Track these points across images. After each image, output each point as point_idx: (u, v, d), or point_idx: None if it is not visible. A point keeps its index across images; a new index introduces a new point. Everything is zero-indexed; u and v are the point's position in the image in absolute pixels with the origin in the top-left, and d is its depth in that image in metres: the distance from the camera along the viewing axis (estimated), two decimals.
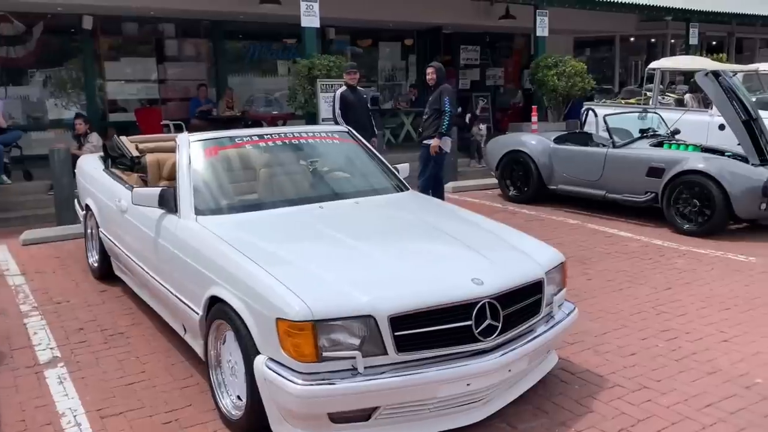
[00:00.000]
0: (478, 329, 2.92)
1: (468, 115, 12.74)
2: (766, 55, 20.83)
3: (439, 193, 7.30)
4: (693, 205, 6.81)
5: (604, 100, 10.88)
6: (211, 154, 3.98)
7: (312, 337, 2.66)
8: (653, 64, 9.94)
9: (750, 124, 7.04)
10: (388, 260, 3.14)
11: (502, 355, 2.97)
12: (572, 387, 3.57)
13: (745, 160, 6.95)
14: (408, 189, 4.50)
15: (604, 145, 7.84)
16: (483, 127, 11.88)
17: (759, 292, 5.02)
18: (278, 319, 2.72)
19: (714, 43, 19.47)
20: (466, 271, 3.03)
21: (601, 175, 7.71)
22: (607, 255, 6.17)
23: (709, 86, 7.17)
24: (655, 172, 7.18)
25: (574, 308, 3.57)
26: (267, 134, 4.27)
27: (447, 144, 7.21)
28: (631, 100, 10.38)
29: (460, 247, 3.35)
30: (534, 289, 3.24)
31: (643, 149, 7.53)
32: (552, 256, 3.50)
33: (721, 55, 14.71)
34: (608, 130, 7.77)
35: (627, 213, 7.64)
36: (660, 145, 7.68)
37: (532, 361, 3.26)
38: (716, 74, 7.20)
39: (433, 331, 2.84)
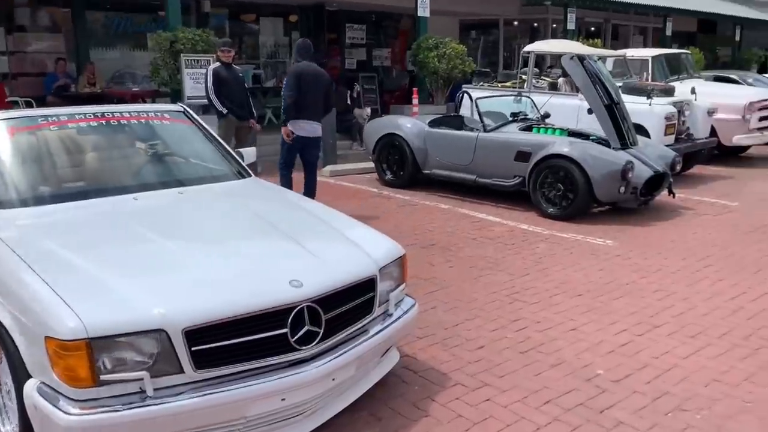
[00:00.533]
0: (295, 337, 2.62)
1: (350, 93, 12.49)
2: (639, 41, 21.92)
3: (287, 180, 6.85)
4: (558, 189, 6.87)
5: (481, 83, 10.90)
6: (6, 137, 3.42)
7: (87, 358, 2.26)
8: (527, 48, 10.01)
9: (612, 108, 7.18)
10: (197, 262, 2.76)
11: (324, 363, 2.69)
12: (412, 388, 3.37)
13: (608, 144, 7.08)
14: (250, 176, 4.11)
15: (475, 129, 7.77)
16: (367, 109, 11.62)
17: (611, 277, 5.07)
18: (47, 338, 2.29)
19: (593, 29, 20.21)
20: (285, 272, 2.72)
21: (472, 159, 7.65)
22: (473, 241, 6.08)
23: (574, 70, 7.23)
24: (522, 156, 7.19)
25: (414, 304, 3.36)
26: (80, 114, 3.73)
27: (300, 128, 6.65)
28: (507, 84, 10.45)
29: (286, 243, 3.02)
30: (366, 286, 2.98)
31: (512, 133, 7.52)
32: (389, 249, 3.25)
33: (596, 40, 15.22)
34: (479, 113, 7.71)
35: (499, 197, 7.63)
36: (529, 129, 7.71)
37: (364, 366, 3.01)
38: (582, 59, 7.28)
39: (239, 343, 2.51)
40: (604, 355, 3.74)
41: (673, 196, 7.31)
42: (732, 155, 11.22)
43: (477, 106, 7.75)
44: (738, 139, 10.34)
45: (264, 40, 14.83)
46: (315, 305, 2.68)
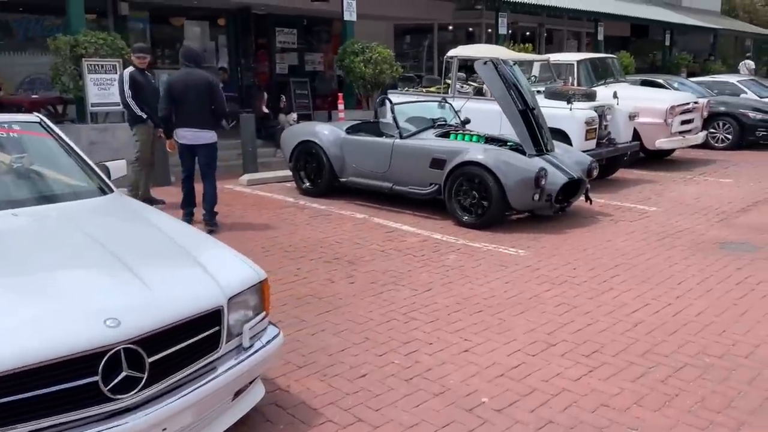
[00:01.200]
0: (110, 385, 2.28)
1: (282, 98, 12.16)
2: (574, 46, 22.23)
3: (185, 190, 6.77)
4: (473, 197, 6.68)
5: (406, 88, 10.70)
6: None
7: None
8: (450, 53, 9.87)
9: (527, 114, 7.04)
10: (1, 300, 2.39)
11: (149, 413, 2.35)
12: (277, 427, 3.06)
13: (524, 151, 6.93)
14: (113, 191, 3.73)
15: (392, 136, 7.53)
16: (293, 115, 11.27)
17: (516, 290, 4.87)
18: None
19: (528, 33, 20.34)
20: (99, 310, 2.36)
21: (388, 166, 7.40)
22: (381, 253, 5.81)
23: (488, 74, 7.07)
24: (437, 163, 6.98)
25: (277, 334, 3.04)
26: None
27: (182, 137, 6.43)
28: (432, 89, 10.27)
29: (115, 273, 2.66)
30: (209, 320, 2.65)
31: (428, 140, 7.31)
32: (244, 276, 2.92)
33: (528, 45, 15.25)
34: (395, 119, 7.47)
35: (418, 206, 7.40)
36: (447, 135, 7.51)
37: (209, 409, 2.68)
38: (496, 64, 7.12)
39: (35, 396, 2.15)
40: (492, 380, 3.50)
41: (590, 203, 7.23)
42: (657, 159, 11.33)
43: (393, 111, 7.52)
44: (660, 143, 10.41)
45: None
46: (135, 347, 2.34)
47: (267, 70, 14.71)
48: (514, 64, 7.58)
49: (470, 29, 19.22)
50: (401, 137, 7.37)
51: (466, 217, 6.72)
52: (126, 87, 7.13)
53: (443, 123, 7.83)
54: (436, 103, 8.44)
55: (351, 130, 8.10)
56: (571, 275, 5.21)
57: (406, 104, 8.11)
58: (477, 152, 6.68)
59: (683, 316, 4.37)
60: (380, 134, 7.88)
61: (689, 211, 7.55)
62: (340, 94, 11.18)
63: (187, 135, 6.39)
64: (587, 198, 7.17)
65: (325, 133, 8.02)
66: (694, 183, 9.45)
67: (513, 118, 6.95)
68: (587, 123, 8.63)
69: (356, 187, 7.78)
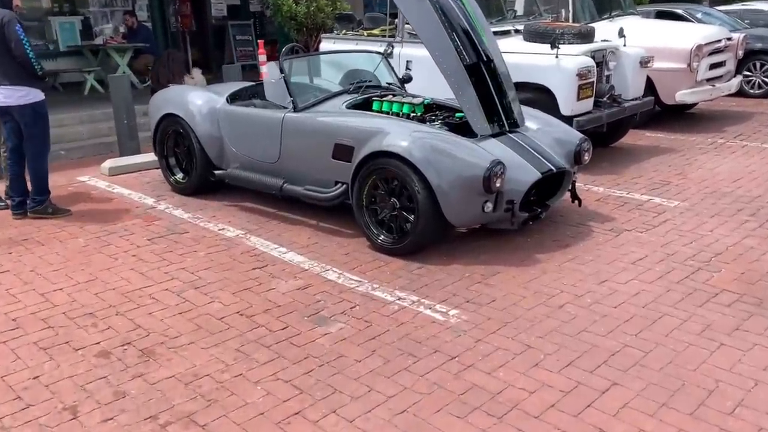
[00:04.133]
0: None
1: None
2: None
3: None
4: (391, 207, 4.27)
5: (343, 31, 8.12)
6: None
7: None
8: None
9: (480, 69, 4.54)
10: None
11: None
12: None
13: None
14: None
15: (282, 107, 5.06)
16: (197, 72, 8.69)
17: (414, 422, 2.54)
18: None
19: None
20: None
21: (278, 155, 4.97)
22: (206, 332, 3.45)
23: (408, 3, 4.53)
24: (343, 152, 4.53)
25: None
26: None
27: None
28: (376, 31, 7.70)
29: None
30: None
31: (333, 114, 4.82)
32: None
33: None
34: (286, 82, 4.98)
35: (325, 213, 5.00)
36: (367, 105, 5.03)
37: None
38: None
39: None
40: None
41: (579, 203, 4.79)
42: (675, 113, 8.76)
43: (283, 69, 5.01)
44: (682, 96, 7.83)
45: None
46: None
47: (189, 12, 11.99)
48: None
49: None
50: (295, 109, 4.90)
51: (381, 238, 4.32)
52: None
53: (361, 84, 5.31)
54: (374, 53, 5.88)
55: (235, 98, 5.63)
56: (537, 380, 2.84)
57: (312, 56, 5.61)
58: (397, 136, 4.21)
59: None
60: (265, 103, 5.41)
61: (728, 205, 5.08)
62: (260, 41, 8.59)
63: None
64: (575, 197, 4.75)
65: (197, 102, 5.53)
66: (728, 151, 6.92)
67: (454, 76, 4.44)
68: (580, 75, 6.07)
69: (235, 184, 5.35)
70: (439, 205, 4.01)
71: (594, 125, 6.23)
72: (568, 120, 5.96)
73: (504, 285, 3.78)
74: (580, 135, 4.78)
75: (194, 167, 5.53)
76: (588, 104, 6.30)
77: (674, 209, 5.07)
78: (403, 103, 4.89)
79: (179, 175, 5.77)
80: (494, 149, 4.23)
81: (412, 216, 4.14)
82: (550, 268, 4.01)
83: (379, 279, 3.91)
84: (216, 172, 5.35)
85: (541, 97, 6.16)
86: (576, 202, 4.73)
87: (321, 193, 4.63)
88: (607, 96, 6.51)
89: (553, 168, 4.35)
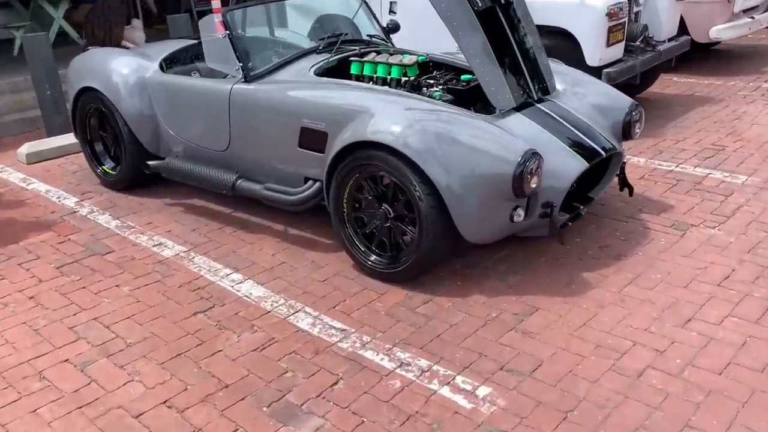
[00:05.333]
0: None
1: None
2: None
3: None
4: (383, 217, 3.10)
5: None
6: None
7: None
8: None
9: (496, 14, 3.29)
10: None
11: None
12: None
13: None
14: None
15: (229, 76, 3.80)
16: (137, 24, 7.22)
17: None
18: None
19: None
20: None
21: (228, 140, 3.75)
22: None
23: None
24: (312, 138, 3.31)
25: None
26: None
27: None
28: None
29: None
30: None
31: (297, 85, 3.55)
32: None
33: None
34: (233, 43, 3.69)
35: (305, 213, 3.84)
36: (343, 69, 3.78)
37: None
38: None
39: None
40: None
41: (630, 193, 3.62)
42: (700, 52, 7.54)
43: (229, 24, 3.72)
44: (717, 32, 6.59)
45: None
46: None
47: None
48: None
49: None
50: (246, 78, 3.65)
51: (372, 259, 3.17)
52: None
53: (341, 39, 4.03)
54: None
55: (171, 63, 4.34)
56: None
57: (273, 3, 4.30)
58: (385, 118, 2.99)
59: None
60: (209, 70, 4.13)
61: None
62: None
63: None
64: (624, 184, 3.59)
65: (121, 71, 4.22)
66: None
67: (461, 26, 3.19)
68: (610, 15, 4.83)
69: (174, 179, 4.11)
70: (449, 215, 2.85)
71: (626, 77, 5.03)
72: (595, 72, 4.76)
73: (549, 333, 2.66)
74: (629, 99, 3.58)
75: (124, 156, 4.30)
76: (618, 51, 5.07)
77: (744, 188, 3.95)
78: (390, 65, 3.64)
79: (108, 165, 4.52)
80: (522, 130, 3.04)
81: (412, 228, 2.99)
82: (606, 297, 2.89)
83: (371, 325, 2.79)
84: (150, 163, 4.10)
85: (560, 45, 4.93)
86: (626, 190, 3.58)
87: (286, 194, 3.43)
88: (640, 39, 5.28)
89: (602, 152, 3.18)
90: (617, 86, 4.13)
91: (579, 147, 3.11)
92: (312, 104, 3.29)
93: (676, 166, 4.37)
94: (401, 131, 2.87)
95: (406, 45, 4.32)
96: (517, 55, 3.27)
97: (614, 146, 3.28)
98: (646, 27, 5.32)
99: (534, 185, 2.80)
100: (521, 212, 2.88)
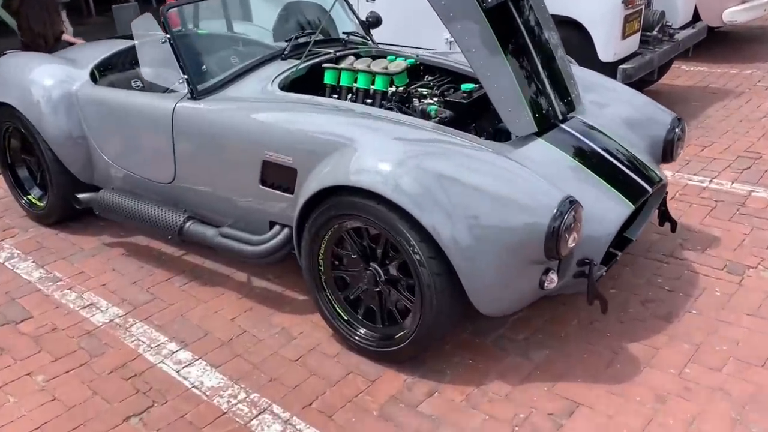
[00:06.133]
0: None
1: None
2: None
3: None
4: (372, 280, 2.40)
5: None
6: None
7: None
8: None
9: (509, 11, 2.58)
10: None
11: None
12: None
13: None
14: None
15: (169, 90, 3.05)
16: (64, 22, 6.25)
17: None
18: None
19: None
20: None
21: (173, 171, 3.01)
22: None
23: None
24: (277, 175, 2.59)
25: None
26: None
27: None
28: None
29: None
30: None
31: (256, 103, 2.80)
32: None
33: None
34: (175, 49, 2.94)
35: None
36: (316, 77, 3.05)
37: None
38: None
39: None
40: None
41: (672, 228, 2.95)
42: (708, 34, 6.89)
43: (167, 22, 2.96)
44: (731, 15, 5.94)
45: None
46: None
47: None
48: None
49: None
50: (193, 94, 2.90)
51: (360, 334, 2.46)
52: None
53: (310, 39, 3.28)
54: None
55: (105, 70, 3.57)
56: None
57: None
58: (370, 153, 2.26)
59: None
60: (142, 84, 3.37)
61: None
62: None
63: None
64: (666, 218, 2.92)
65: (42, 83, 3.41)
66: None
67: (466, 28, 2.46)
68: (626, 2, 4.14)
69: (111, 218, 3.34)
70: (457, 281, 2.17)
71: (644, 72, 4.36)
72: (609, 70, 4.09)
73: None
74: (668, 112, 2.90)
75: (50, 187, 3.53)
76: (634, 43, 4.40)
77: None
78: (373, 73, 2.92)
79: (35, 194, 3.73)
80: (549, 164, 2.35)
81: (410, 295, 2.30)
82: (665, 384, 2.22)
83: None
84: (80, 196, 3.33)
85: (567, 38, 4.16)
86: (668, 224, 2.91)
87: (247, 243, 2.72)
88: (658, 28, 4.60)
89: (648, 187, 2.51)
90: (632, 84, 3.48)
91: (620, 182, 2.43)
92: (275, 132, 2.56)
93: (710, 181, 3.72)
94: (391, 172, 2.16)
95: (386, 39, 3.61)
96: (536, 63, 2.56)
97: (661, 178, 2.61)
98: (663, 14, 4.64)
99: (573, 244, 2.12)
100: (554, 276, 2.20)
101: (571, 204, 2.09)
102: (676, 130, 2.80)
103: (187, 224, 2.89)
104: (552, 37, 2.71)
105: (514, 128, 2.44)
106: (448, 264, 2.13)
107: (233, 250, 2.72)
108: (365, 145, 2.30)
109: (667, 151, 2.81)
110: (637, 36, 4.38)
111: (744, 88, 5.38)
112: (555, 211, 2.06)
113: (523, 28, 2.57)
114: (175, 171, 2.96)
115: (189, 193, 2.95)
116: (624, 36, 4.20)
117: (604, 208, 2.32)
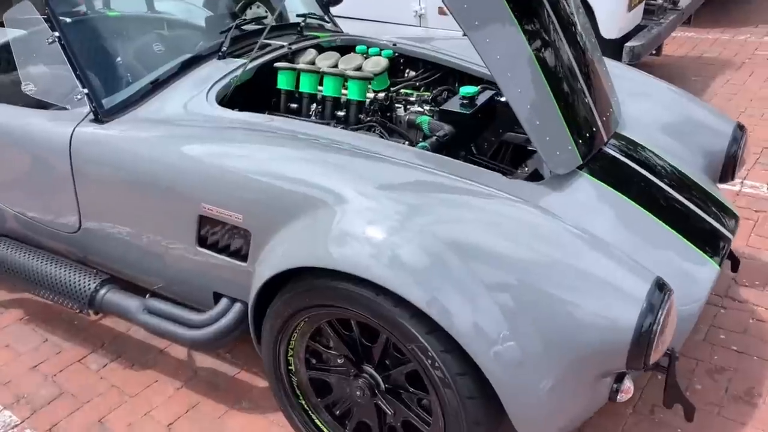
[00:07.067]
0: None
1: None
2: None
3: None
4: (370, 389, 1.73)
5: None
6: None
7: None
8: None
9: (539, 10, 1.88)
10: None
11: None
12: None
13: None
14: None
15: (62, 108, 2.23)
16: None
17: None
18: None
19: None
20: None
21: (78, 217, 2.22)
22: None
23: None
24: (221, 237, 1.85)
25: None
26: None
27: None
28: None
29: None
30: None
31: (189, 127, 2.01)
32: None
33: None
34: (67, 50, 2.11)
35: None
36: (266, 80, 2.28)
37: None
38: None
39: None
40: None
41: (736, 268, 2.34)
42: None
43: (55, 19, 2.13)
44: None
45: None
46: None
47: None
48: None
49: None
50: (97, 115, 2.10)
51: None
52: None
53: (254, 28, 2.49)
54: None
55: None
56: None
57: None
58: (357, 217, 1.55)
59: None
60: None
61: None
62: None
63: None
64: (731, 261, 2.31)
65: None
66: None
67: (497, 47, 1.75)
68: None
69: (4, 279, 2.54)
70: (493, 397, 1.50)
71: (652, 49, 3.73)
72: (612, 48, 3.45)
73: None
74: (727, 119, 2.27)
75: None
76: (637, 15, 3.74)
77: None
78: (345, 77, 2.17)
79: None
80: (604, 215, 1.68)
81: (422, 411, 1.63)
82: None
83: None
84: None
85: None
86: (732, 268, 2.30)
87: (183, 323, 1.97)
88: None
89: (729, 234, 1.87)
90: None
91: (697, 232, 1.79)
92: (214, 177, 1.79)
93: (741, 183, 3.15)
94: (394, 254, 1.44)
95: (342, 12, 2.86)
96: (577, 75, 1.86)
97: (735, 214, 1.98)
98: None
99: (662, 347, 1.47)
100: (630, 384, 1.56)
101: (661, 290, 1.43)
102: (741, 141, 2.18)
103: (103, 291, 2.12)
104: (588, 35, 2.02)
105: (554, 163, 1.74)
106: (481, 379, 1.46)
107: (164, 333, 1.97)
108: (346, 200, 1.57)
109: (728, 169, 2.19)
110: (641, 7, 3.73)
111: (743, 57, 4.83)
112: (644, 304, 1.40)
113: (559, 29, 1.86)
114: (80, 217, 2.17)
115: (101, 246, 2.17)
116: (630, 8, 3.55)
117: (686, 277, 1.67)
